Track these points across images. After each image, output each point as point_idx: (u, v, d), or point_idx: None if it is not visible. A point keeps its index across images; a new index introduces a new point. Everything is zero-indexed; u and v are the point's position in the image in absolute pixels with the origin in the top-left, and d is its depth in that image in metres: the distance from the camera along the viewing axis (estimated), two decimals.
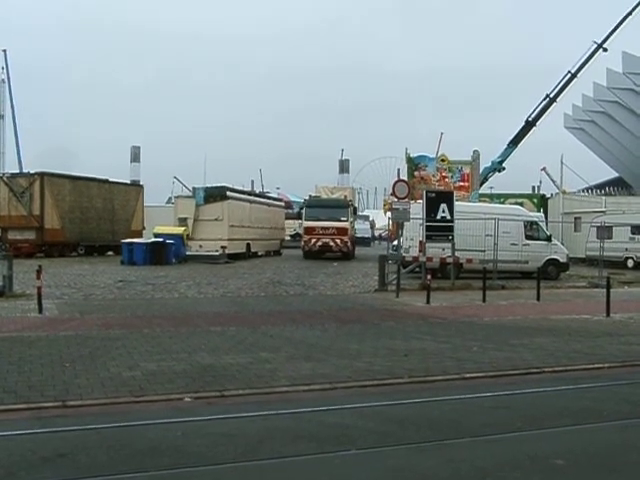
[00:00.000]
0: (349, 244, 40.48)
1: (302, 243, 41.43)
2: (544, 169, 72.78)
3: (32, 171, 41.30)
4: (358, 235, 63.95)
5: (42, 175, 39.77)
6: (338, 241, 39.78)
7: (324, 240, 39.71)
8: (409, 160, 40.40)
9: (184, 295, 20.42)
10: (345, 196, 45.60)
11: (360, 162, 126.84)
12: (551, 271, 27.27)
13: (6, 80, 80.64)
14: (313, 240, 39.93)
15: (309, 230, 40.41)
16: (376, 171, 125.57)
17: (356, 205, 63.48)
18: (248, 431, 6.91)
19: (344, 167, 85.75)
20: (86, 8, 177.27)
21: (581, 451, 6.49)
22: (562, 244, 30.38)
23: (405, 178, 35.15)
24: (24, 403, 7.84)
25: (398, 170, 70.68)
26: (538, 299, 19.73)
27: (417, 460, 6.16)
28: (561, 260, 28.13)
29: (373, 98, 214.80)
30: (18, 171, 53.38)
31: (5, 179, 40.61)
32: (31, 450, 6.21)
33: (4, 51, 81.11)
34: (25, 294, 18.62)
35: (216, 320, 14.88)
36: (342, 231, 39.97)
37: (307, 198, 47.72)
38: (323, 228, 39.78)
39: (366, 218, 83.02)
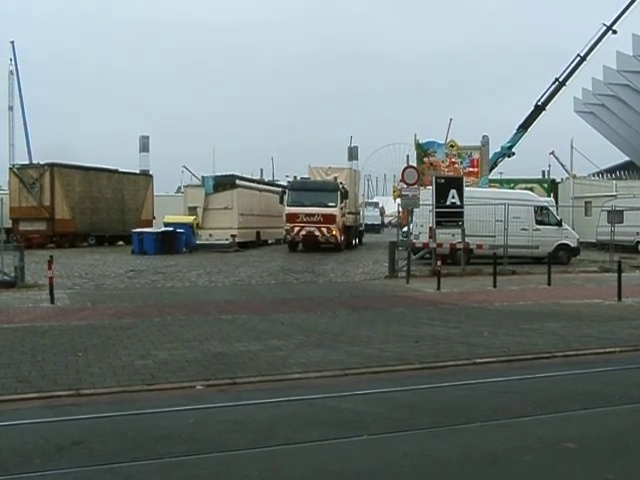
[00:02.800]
0: (337, 233, 35.03)
1: (284, 233, 36.26)
2: (553, 153, 72.48)
3: (42, 162, 41.45)
4: (368, 222, 63.85)
5: (52, 166, 39.93)
6: (324, 230, 34.62)
7: (308, 229, 34.62)
8: (418, 146, 40.31)
9: (195, 284, 20.48)
10: (335, 177, 37.88)
11: (369, 149, 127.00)
12: (562, 256, 27.18)
13: (15, 72, 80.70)
14: (296, 229, 34.81)
15: (291, 217, 35.03)
16: (385, 157, 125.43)
17: (363, 189, 61.96)
18: (260, 418, 6.94)
19: (353, 154, 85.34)
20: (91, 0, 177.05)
21: (592, 435, 6.49)
22: (573, 229, 30.25)
23: (414, 164, 35.09)
24: (38, 392, 7.90)
25: (407, 156, 70.50)
26: (549, 284, 19.69)
27: (428, 445, 6.18)
28: (572, 245, 28.03)
29: (382, 85, 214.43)
30: (28, 162, 53.54)
31: (15, 170, 40.79)
32: (45, 438, 6.26)
33: (12, 43, 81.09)
34: (37, 284, 18.75)
35: (227, 308, 14.93)
36: (329, 218, 34.68)
37: (291, 180, 41.54)
38: (307, 215, 34.57)
39: (376, 205, 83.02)
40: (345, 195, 36.39)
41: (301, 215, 34.56)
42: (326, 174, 39.03)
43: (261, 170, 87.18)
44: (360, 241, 45.23)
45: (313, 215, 34.49)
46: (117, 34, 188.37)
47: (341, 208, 35.60)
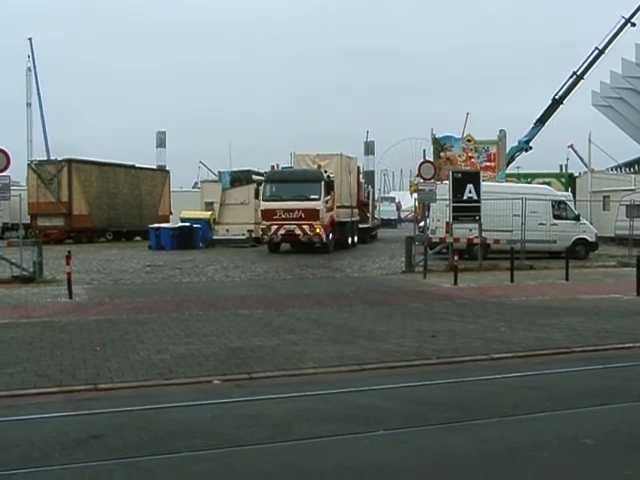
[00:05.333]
0: (322, 232, 29.79)
1: (260, 232, 31.50)
2: (571, 146, 72.07)
3: (60, 158, 41.71)
4: (384, 217, 63.66)
5: (69, 162, 40.18)
6: (306, 228, 29.51)
7: (288, 227, 29.72)
8: (435, 141, 40.18)
9: (211, 279, 20.55)
10: (319, 166, 32.34)
11: (386, 144, 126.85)
12: (580, 251, 27.01)
13: (32, 68, 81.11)
14: (274, 227, 29.82)
15: (268, 214, 30.00)
16: (402, 152, 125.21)
17: (376, 186, 59.90)
18: (277, 412, 6.96)
19: (369, 149, 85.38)
20: None
21: (611, 431, 6.44)
22: (591, 223, 30.06)
23: (431, 159, 34.95)
24: (57, 386, 7.97)
25: (424, 151, 70.25)
26: (567, 279, 19.56)
27: (446, 440, 6.17)
28: (590, 239, 27.84)
29: (398, 79, 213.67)
30: (46, 158, 53.87)
31: (33, 166, 41.11)
32: (64, 432, 6.32)
33: (30, 39, 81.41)
34: (55, 280, 18.88)
35: (244, 303, 14.97)
36: (311, 214, 29.51)
37: (268, 170, 34.70)
38: (286, 211, 29.68)
39: (392, 200, 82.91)
40: (331, 186, 31.26)
41: (279, 211, 29.80)
42: (313, 162, 33.82)
43: (277, 165, 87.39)
44: (368, 238, 41.05)
45: (293, 211, 29.74)
46: (132, 31, 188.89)
47: (327, 201, 30.52)
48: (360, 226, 38.59)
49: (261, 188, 31.67)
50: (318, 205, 29.78)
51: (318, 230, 29.69)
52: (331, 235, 31.08)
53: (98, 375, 8.46)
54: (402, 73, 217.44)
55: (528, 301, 15.47)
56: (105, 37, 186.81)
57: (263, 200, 30.69)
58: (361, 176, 42.01)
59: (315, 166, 32.74)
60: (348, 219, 35.19)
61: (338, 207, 32.75)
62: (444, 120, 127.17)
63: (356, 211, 37.73)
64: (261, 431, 6.28)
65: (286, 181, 30.98)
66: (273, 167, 34.17)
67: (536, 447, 5.82)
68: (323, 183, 30.23)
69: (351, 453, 5.81)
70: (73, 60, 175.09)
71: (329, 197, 30.82)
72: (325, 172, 31.31)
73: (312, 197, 29.81)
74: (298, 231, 29.70)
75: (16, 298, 15.83)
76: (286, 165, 35.51)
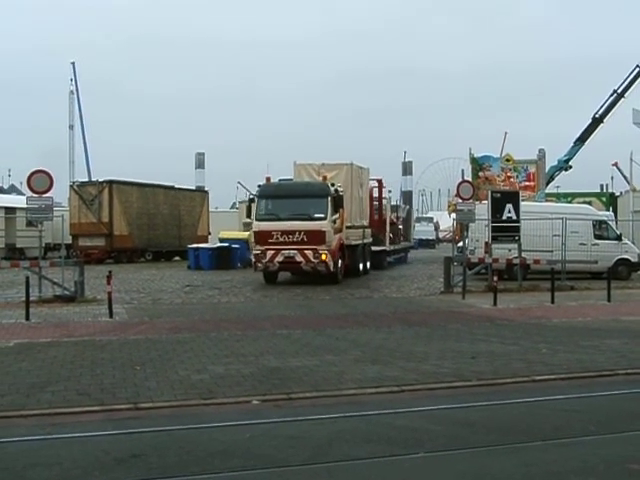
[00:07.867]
0: (329, 259, 24.10)
1: (253, 259, 25.08)
2: (616, 164, 71.06)
3: (101, 179, 42.37)
4: (422, 237, 63.18)
5: (110, 183, 40.73)
6: (309, 254, 23.85)
7: (286, 253, 23.99)
8: (473, 160, 40.04)
9: (250, 299, 20.60)
10: (324, 177, 26.08)
11: (424, 163, 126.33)
12: (622, 271, 26.52)
13: (75, 91, 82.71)
14: (269, 254, 24.07)
15: (262, 237, 24.37)
16: (440, 172, 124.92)
17: (400, 201, 54.47)
18: (316, 433, 6.93)
19: (407, 169, 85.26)
20: (147, 22, 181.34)
21: None
22: (633, 243, 29.56)
23: (469, 179, 34.77)
24: (97, 405, 8.03)
25: (462, 171, 70.10)
26: (609, 300, 19.22)
27: (487, 464, 6.08)
28: (632, 260, 27.35)
29: (436, 99, 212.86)
30: (87, 179, 54.75)
31: (75, 187, 41.75)
32: (105, 451, 6.36)
33: (72, 63, 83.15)
34: (96, 299, 19.08)
35: (282, 323, 14.98)
36: (316, 237, 23.88)
37: (261, 184, 26.29)
38: (285, 233, 24.04)
39: (430, 220, 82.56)
40: (340, 202, 25.32)
41: (276, 233, 24.11)
42: (318, 173, 27.84)
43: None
44: (384, 263, 34.02)
45: (293, 233, 24.05)
46: (175, 54, 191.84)
47: (334, 221, 24.67)
48: (373, 248, 32.45)
49: (252, 205, 25.79)
50: (324, 226, 24.19)
51: (324, 256, 24.12)
52: (340, 262, 25.56)
53: (138, 394, 8.51)
54: (440, 92, 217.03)
55: (569, 322, 15.23)
56: (143, 58, 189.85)
57: (256, 220, 24.86)
58: (385, 191, 37.36)
59: (320, 178, 26.69)
60: (359, 241, 29.20)
61: (348, 227, 27.09)
62: (483, 139, 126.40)
63: (369, 231, 31.83)
64: (301, 452, 6.25)
65: (284, 196, 25.19)
66: (269, 179, 26.83)
67: (581, 472, 5.70)
68: (330, 199, 24.64)
69: (392, 475, 5.75)
70: (113, 82, 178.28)
71: (337, 216, 25.02)
72: (332, 185, 25.52)
73: (317, 216, 24.33)
74: (299, 258, 24.08)
75: (58, 317, 16.05)
76: (285, 177, 29.69)
